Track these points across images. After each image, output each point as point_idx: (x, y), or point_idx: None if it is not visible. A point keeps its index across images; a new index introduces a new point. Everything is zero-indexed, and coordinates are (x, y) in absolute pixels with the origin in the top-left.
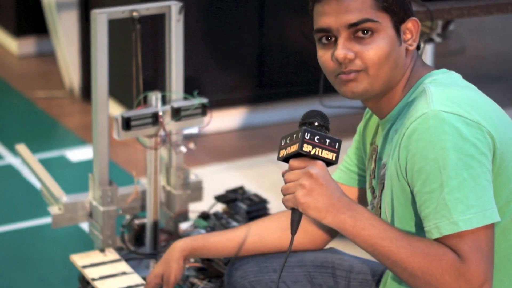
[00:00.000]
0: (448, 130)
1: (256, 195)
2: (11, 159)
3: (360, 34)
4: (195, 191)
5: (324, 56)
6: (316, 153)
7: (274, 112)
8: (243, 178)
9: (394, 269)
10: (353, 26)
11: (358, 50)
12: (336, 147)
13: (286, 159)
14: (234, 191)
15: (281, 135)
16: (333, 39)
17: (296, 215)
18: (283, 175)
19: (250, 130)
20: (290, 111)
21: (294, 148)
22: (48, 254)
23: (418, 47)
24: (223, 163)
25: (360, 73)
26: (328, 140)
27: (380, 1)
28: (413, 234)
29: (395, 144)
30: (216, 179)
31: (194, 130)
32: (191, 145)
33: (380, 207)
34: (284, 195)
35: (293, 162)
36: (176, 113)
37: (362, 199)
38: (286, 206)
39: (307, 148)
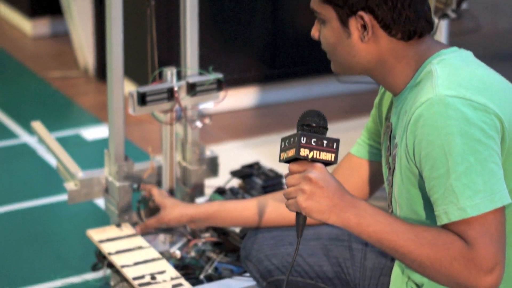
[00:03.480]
0: (453, 115)
1: (271, 170)
2: (26, 138)
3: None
4: (211, 166)
5: None
6: (314, 157)
7: (288, 90)
8: (258, 155)
9: (404, 261)
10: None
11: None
12: (334, 147)
13: (287, 162)
14: (249, 166)
15: (296, 113)
16: None
17: (301, 219)
18: (285, 178)
19: (265, 108)
20: (305, 89)
21: (291, 153)
22: (64, 231)
23: (431, 25)
24: (238, 140)
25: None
26: (325, 141)
27: None
28: (419, 223)
29: (404, 127)
30: (231, 156)
31: (209, 105)
32: (207, 121)
33: (392, 185)
34: (287, 199)
35: (293, 166)
36: (191, 88)
37: (379, 173)
38: (290, 210)
39: (304, 152)
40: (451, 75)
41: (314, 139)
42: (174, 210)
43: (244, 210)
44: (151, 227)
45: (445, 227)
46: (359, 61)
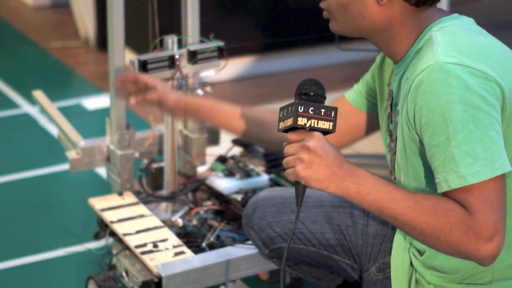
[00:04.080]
0: (453, 82)
1: None
2: (28, 108)
3: None
4: (212, 134)
5: None
6: (312, 125)
7: (289, 59)
8: None
9: (403, 229)
10: None
11: None
12: (332, 115)
13: (285, 131)
14: None
15: (296, 82)
16: None
17: (300, 188)
18: (284, 147)
19: (266, 78)
20: (306, 58)
21: (289, 122)
22: (66, 200)
23: None
24: None
25: (328, 12)
26: (323, 110)
27: None
28: (422, 191)
29: (405, 94)
30: None
31: (210, 73)
32: (208, 89)
33: (395, 153)
34: (286, 169)
35: (291, 135)
36: (193, 56)
37: (369, 124)
38: (289, 179)
39: (301, 121)
40: (452, 42)
41: (311, 108)
42: (173, 93)
43: (235, 118)
44: (148, 101)
45: (446, 194)
46: (368, 23)
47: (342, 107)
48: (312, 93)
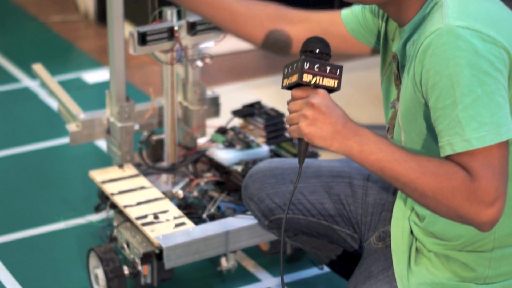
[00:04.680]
0: (462, 46)
1: (273, 109)
2: (28, 82)
3: None
4: (212, 106)
5: None
6: (317, 82)
7: None
8: (260, 96)
9: (405, 191)
10: None
11: None
12: (338, 73)
13: (289, 88)
14: (251, 105)
15: (297, 54)
16: None
17: (303, 145)
18: (287, 104)
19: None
20: None
21: (294, 79)
22: (67, 173)
23: None
24: (240, 82)
25: None
26: (328, 68)
27: None
28: (422, 154)
29: (412, 57)
30: (233, 97)
31: (210, 44)
32: (207, 60)
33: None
34: (289, 125)
35: (295, 92)
36: (192, 28)
37: (349, 46)
38: (292, 136)
39: (307, 78)
40: (462, 6)
41: (317, 65)
42: None
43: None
44: None
45: (449, 158)
46: None
47: (333, 24)
48: (317, 51)
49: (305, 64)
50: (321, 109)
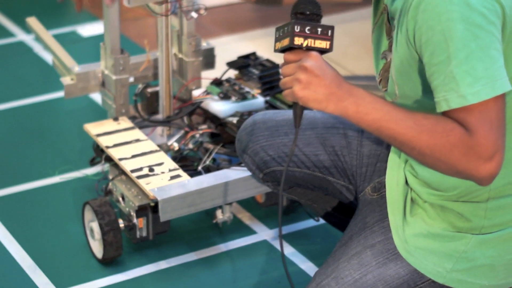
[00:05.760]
0: (454, 0)
1: (268, 60)
2: (23, 36)
3: None
4: (207, 58)
5: None
6: (309, 45)
7: None
8: (255, 48)
9: (402, 149)
10: None
11: None
12: (329, 34)
13: (282, 51)
14: (246, 57)
15: (293, 2)
16: None
17: (298, 109)
18: (280, 68)
19: None
20: None
21: (286, 42)
22: (62, 127)
23: None
24: (235, 34)
25: None
26: (319, 29)
27: None
28: (417, 110)
29: (404, 13)
30: (228, 49)
31: None
32: (202, 11)
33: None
34: (283, 89)
35: (288, 56)
36: None
37: None
38: (286, 100)
39: (298, 41)
40: None
41: (308, 27)
42: None
43: None
44: None
45: (445, 114)
46: None
47: None
48: (308, 12)
49: (295, 27)
50: (314, 72)
